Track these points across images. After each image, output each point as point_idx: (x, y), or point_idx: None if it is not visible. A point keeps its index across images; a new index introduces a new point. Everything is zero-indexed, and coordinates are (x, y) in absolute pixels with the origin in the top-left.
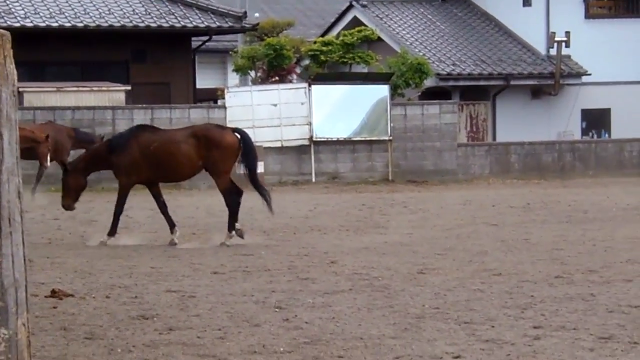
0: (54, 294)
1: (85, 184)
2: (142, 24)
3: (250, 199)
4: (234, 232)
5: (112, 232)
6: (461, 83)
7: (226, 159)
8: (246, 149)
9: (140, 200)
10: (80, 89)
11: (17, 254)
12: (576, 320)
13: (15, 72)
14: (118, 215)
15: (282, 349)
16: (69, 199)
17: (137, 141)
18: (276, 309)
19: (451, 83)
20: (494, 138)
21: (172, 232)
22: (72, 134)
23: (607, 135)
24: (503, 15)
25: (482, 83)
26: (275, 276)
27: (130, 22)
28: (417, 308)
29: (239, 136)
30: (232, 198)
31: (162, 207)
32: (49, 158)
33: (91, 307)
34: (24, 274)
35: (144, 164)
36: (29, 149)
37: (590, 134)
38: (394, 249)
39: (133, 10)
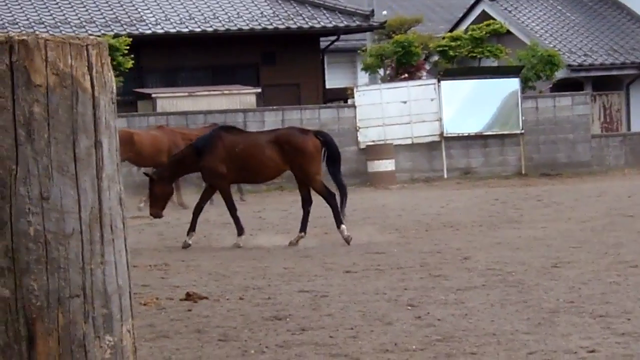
0: (188, 297)
1: (172, 190)
2: (270, 27)
3: (381, 196)
4: (343, 227)
5: (240, 231)
6: (593, 74)
7: (311, 163)
8: (330, 152)
9: (272, 202)
10: (212, 93)
11: (120, 260)
12: None
13: (113, 79)
14: (234, 214)
15: (414, 347)
16: (157, 207)
17: (223, 143)
18: (408, 307)
19: (583, 74)
20: (629, 128)
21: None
22: None
23: None
24: (635, 3)
25: (614, 73)
26: (407, 274)
27: (259, 24)
28: (551, 302)
29: (321, 139)
30: (331, 196)
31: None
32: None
33: (225, 309)
34: (128, 280)
35: (230, 165)
36: None
37: None
38: (528, 243)
39: (261, 13)
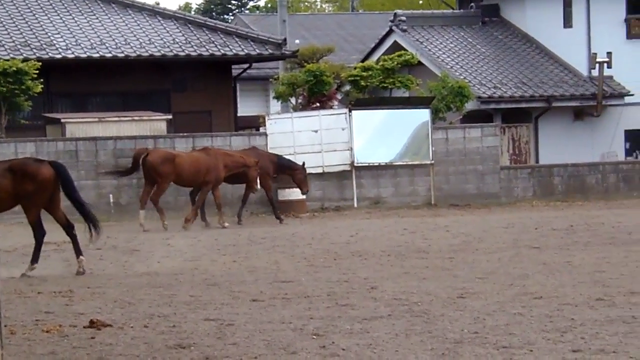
0: (92, 324)
1: None
2: (182, 53)
3: (291, 225)
4: (36, 265)
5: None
6: (502, 106)
7: (40, 192)
8: (63, 181)
9: (181, 229)
10: (122, 118)
11: None
12: (616, 343)
13: None
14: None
15: None
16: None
17: None
18: (314, 336)
19: (493, 106)
20: (537, 160)
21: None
22: (274, 160)
23: None
24: (544, 37)
25: (523, 105)
26: (314, 303)
27: (171, 51)
28: (455, 333)
29: (55, 169)
30: (40, 232)
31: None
32: (258, 181)
33: (129, 337)
34: None
35: None
36: (240, 174)
37: (634, 154)
38: (435, 274)
39: (173, 40)
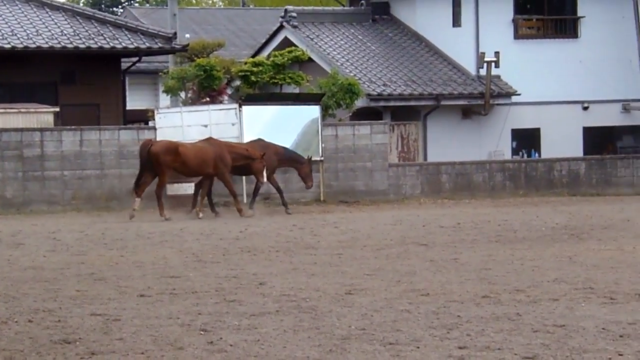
0: None
1: None
2: (70, 45)
3: (181, 220)
4: None
5: None
6: (392, 103)
7: None
8: None
9: (68, 222)
10: (8, 110)
11: None
12: (501, 340)
13: None
14: None
15: None
16: None
17: None
18: (201, 332)
19: (382, 103)
20: (425, 158)
21: None
22: (280, 152)
23: (537, 154)
24: (433, 36)
25: (412, 103)
26: (202, 298)
27: (59, 43)
28: (343, 329)
29: None
30: None
31: None
32: (264, 174)
33: (13, 332)
34: None
35: None
36: (245, 166)
37: (521, 153)
38: (323, 270)
39: (61, 32)
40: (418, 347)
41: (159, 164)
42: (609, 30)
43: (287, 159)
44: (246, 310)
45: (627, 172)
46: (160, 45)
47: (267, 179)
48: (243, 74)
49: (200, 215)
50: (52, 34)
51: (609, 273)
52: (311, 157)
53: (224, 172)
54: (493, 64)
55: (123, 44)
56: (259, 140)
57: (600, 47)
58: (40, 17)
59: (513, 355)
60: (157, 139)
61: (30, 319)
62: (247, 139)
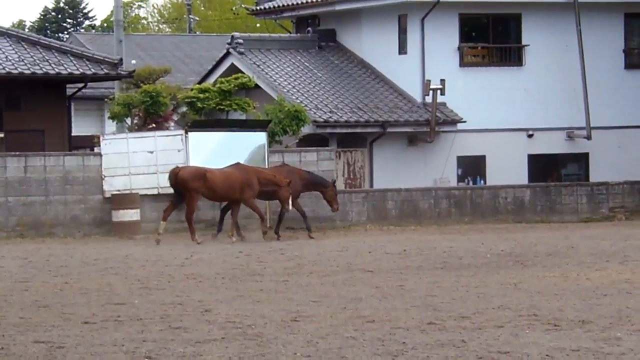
0: None
1: None
2: (15, 71)
3: (125, 246)
4: None
5: None
6: (338, 130)
7: None
8: None
9: (12, 250)
10: None
11: None
12: None
13: None
14: None
15: None
16: None
17: None
18: (146, 359)
19: (328, 130)
20: (372, 185)
21: None
22: (305, 177)
23: (482, 181)
24: (379, 63)
25: (359, 130)
26: (147, 325)
27: (3, 69)
28: (288, 356)
29: None
30: None
31: None
32: (290, 202)
33: None
34: None
35: None
36: (269, 191)
37: (466, 180)
38: (269, 297)
39: (6, 57)
40: None
41: (187, 190)
42: (553, 59)
43: (312, 183)
44: (191, 337)
45: (571, 199)
46: (106, 71)
47: (294, 204)
48: (189, 100)
49: (234, 239)
50: None
51: (553, 300)
52: (335, 180)
53: (250, 198)
54: (439, 91)
55: (69, 70)
56: (284, 165)
57: (545, 75)
58: None
59: None
60: (185, 165)
61: None
62: (193, 165)
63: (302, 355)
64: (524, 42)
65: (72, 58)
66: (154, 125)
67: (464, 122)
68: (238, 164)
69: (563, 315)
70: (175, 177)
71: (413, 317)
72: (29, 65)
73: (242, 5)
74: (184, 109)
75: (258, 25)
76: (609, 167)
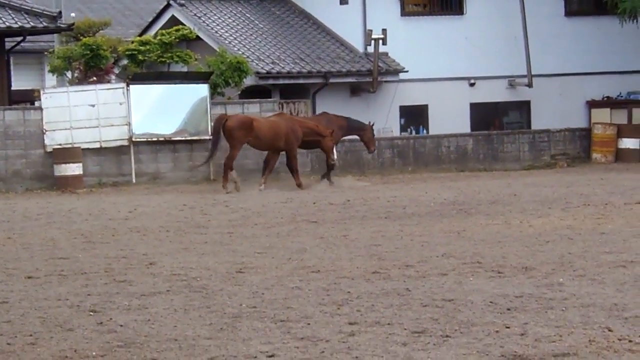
0: None
1: None
2: None
3: (68, 201)
4: None
5: None
6: (281, 81)
7: None
8: None
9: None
10: None
11: None
12: (391, 316)
13: None
14: None
15: (94, 353)
16: None
17: None
18: (91, 313)
19: (271, 81)
20: None
21: None
22: (343, 123)
23: (424, 131)
24: (321, 13)
25: (301, 81)
26: (91, 279)
27: None
28: (234, 308)
29: None
30: None
31: None
32: (335, 152)
33: None
34: None
35: None
36: (314, 141)
37: (409, 130)
38: (214, 249)
39: None
40: (309, 324)
41: (233, 138)
42: (494, 7)
43: (350, 128)
44: (136, 290)
45: (513, 147)
46: (45, 24)
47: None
48: (130, 53)
49: (261, 187)
50: None
51: (496, 247)
52: (373, 123)
53: (294, 147)
54: (380, 41)
55: (7, 24)
56: (324, 114)
57: (486, 24)
58: None
59: (403, 330)
60: (230, 114)
61: None
62: (135, 118)
63: (247, 306)
64: None
65: (9, 11)
66: (94, 78)
67: (406, 71)
68: (282, 113)
69: (506, 262)
70: (224, 125)
71: (357, 266)
72: None
73: None
74: (125, 61)
75: None
76: (551, 115)
